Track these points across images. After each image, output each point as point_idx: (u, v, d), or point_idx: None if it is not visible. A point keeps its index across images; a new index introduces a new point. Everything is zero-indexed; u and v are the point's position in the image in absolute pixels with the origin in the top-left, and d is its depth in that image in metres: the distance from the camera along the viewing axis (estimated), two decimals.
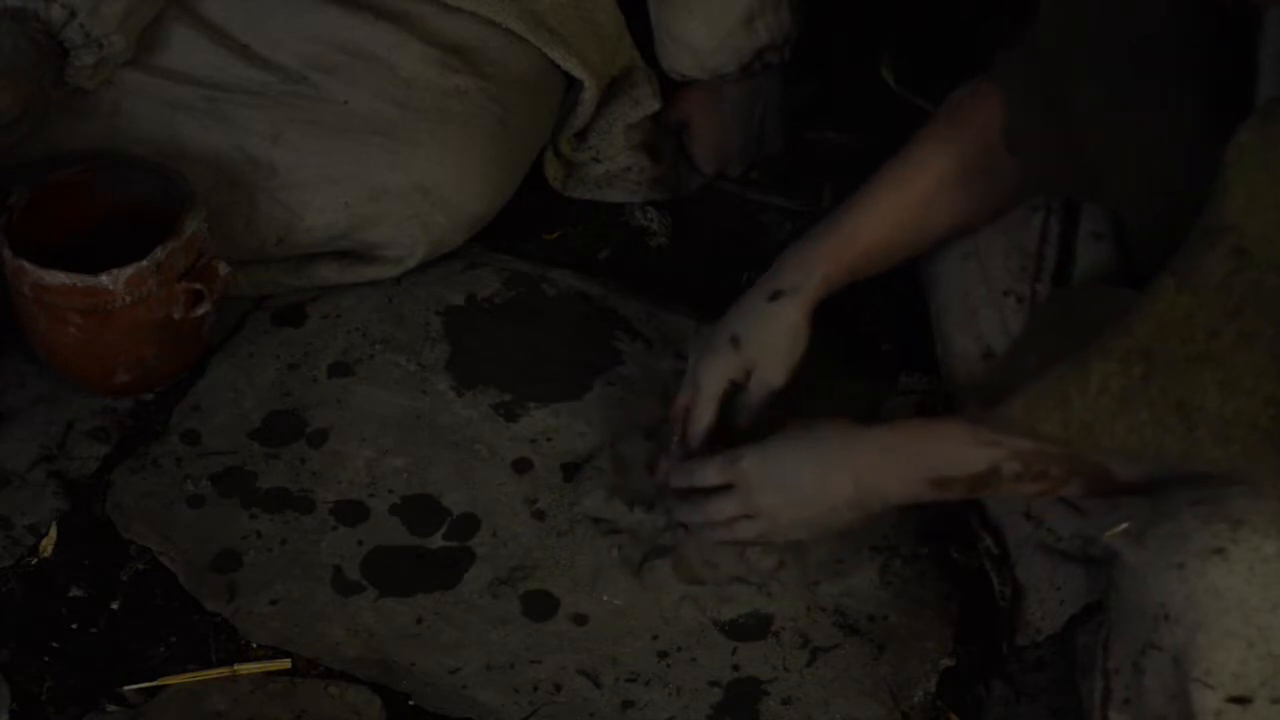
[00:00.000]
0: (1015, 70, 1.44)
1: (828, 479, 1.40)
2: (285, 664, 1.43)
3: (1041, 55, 1.40)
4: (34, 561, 1.50)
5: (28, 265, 1.54)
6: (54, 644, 1.44)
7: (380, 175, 1.70)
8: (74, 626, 1.45)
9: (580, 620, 1.48)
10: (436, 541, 1.54)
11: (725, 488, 1.45)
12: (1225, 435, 1.14)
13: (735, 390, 1.51)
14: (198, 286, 1.58)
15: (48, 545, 1.51)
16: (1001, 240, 1.52)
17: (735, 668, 1.45)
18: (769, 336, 1.49)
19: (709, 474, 1.46)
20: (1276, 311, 1.12)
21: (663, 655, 1.45)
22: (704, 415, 1.51)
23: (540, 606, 1.49)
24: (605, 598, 1.49)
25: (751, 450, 1.44)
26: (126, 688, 1.41)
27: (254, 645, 1.45)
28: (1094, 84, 1.34)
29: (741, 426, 1.52)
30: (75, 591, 1.48)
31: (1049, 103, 1.40)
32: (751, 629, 1.47)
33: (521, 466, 1.60)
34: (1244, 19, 1.22)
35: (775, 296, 1.49)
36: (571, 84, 1.86)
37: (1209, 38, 1.27)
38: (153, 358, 1.61)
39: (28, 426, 1.61)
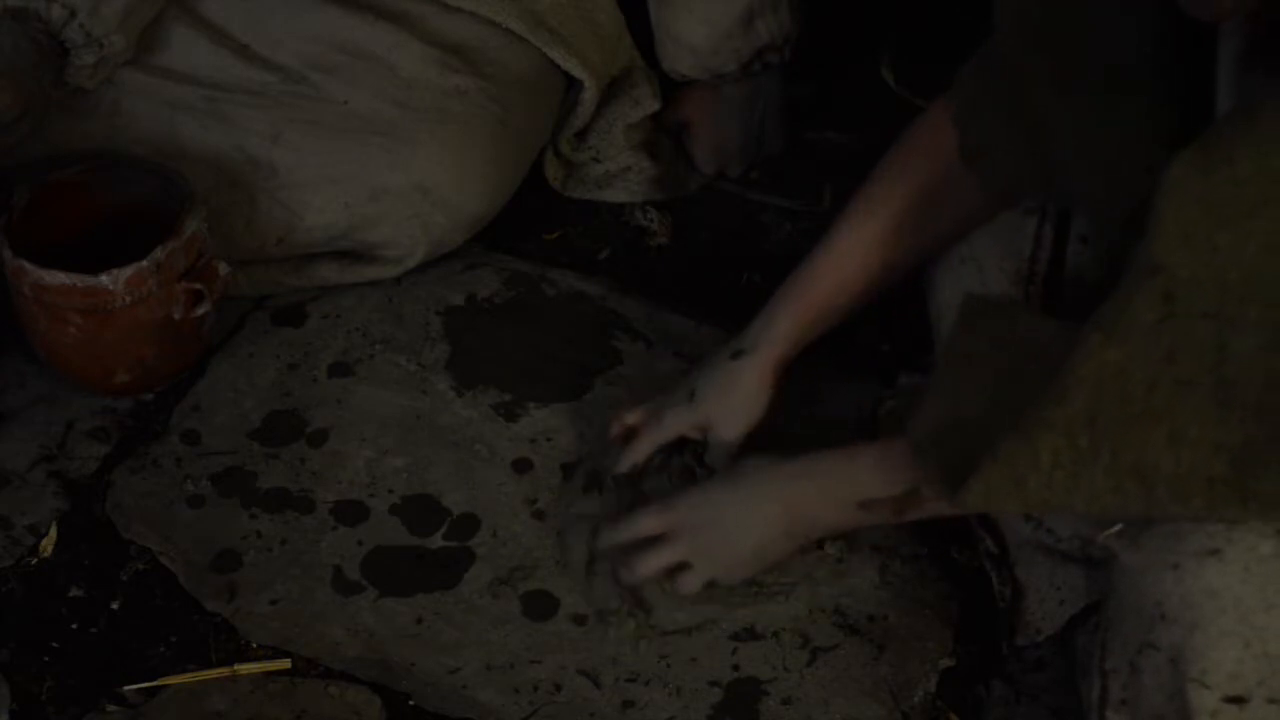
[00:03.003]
0: (969, 84, 1.43)
1: (760, 511, 1.42)
2: (285, 664, 1.43)
3: (1002, 66, 1.39)
4: (34, 561, 1.50)
5: (28, 265, 1.54)
6: (54, 644, 1.44)
7: (380, 175, 1.70)
8: (74, 626, 1.45)
9: (580, 620, 1.48)
10: (436, 541, 1.54)
11: (658, 540, 1.45)
12: (1183, 491, 1.12)
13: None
14: (198, 286, 1.58)
15: (48, 545, 1.51)
16: (997, 245, 1.52)
17: (735, 668, 1.45)
18: (725, 397, 1.51)
19: (646, 524, 1.46)
20: (1211, 357, 1.08)
21: (663, 655, 1.45)
22: (639, 452, 1.53)
23: (540, 606, 1.49)
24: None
25: (684, 494, 1.46)
26: (126, 688, 1.41)
27: (254, 645, 1.45)
28: (1055, 91, 1.32)
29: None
30: (75, 591, 1.48)
31: (1009, 112, 1.39)
32: (751, 629, 1.47)
33: (521, 466, 1.60)
34: (1204, 29, 1.20)
35: (736, 355, 1.51)
36: (571, 84, 1.86)
37: (1172, 44, 1.24)
38: (153, 358, 1.61)
39: (28, 426, 1.61)
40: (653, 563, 1.45)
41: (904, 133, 1.50)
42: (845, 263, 1.49)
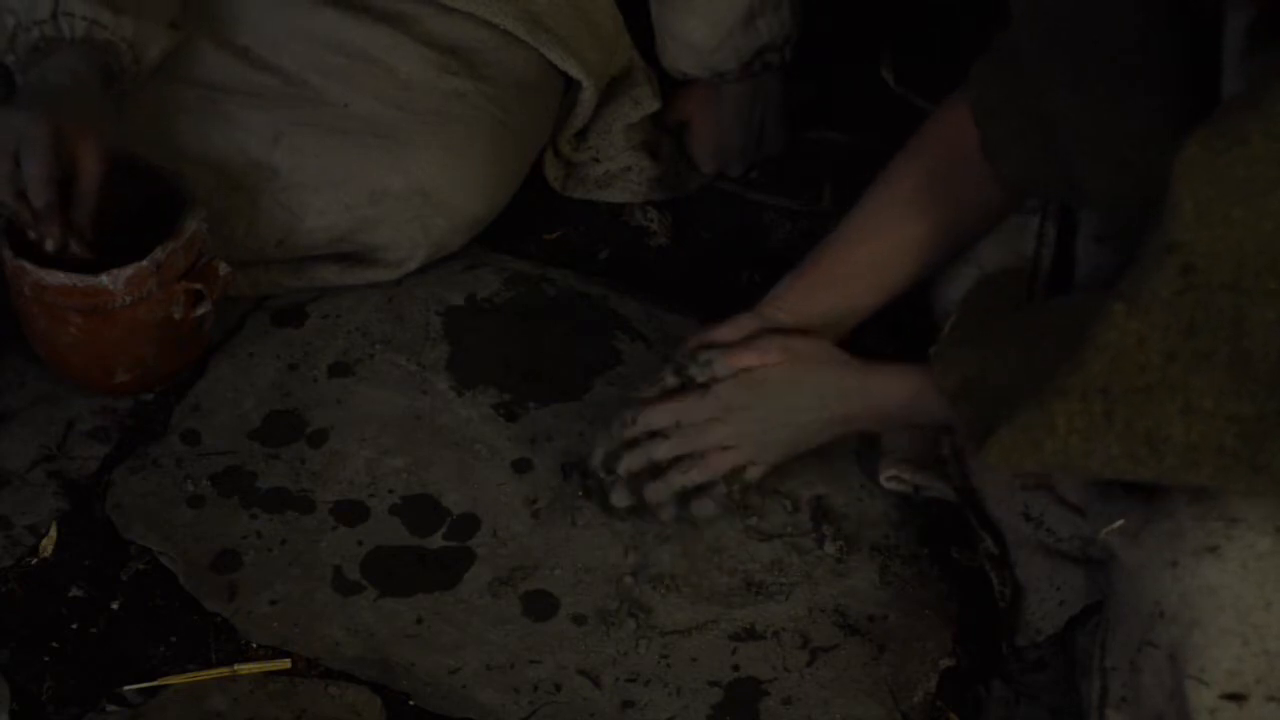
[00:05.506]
0: (988, 79, 1.44)
1: (811, 414, 1.48)
2: (285, 664, 1.43)
3: (1016, 63, 1.39)
4: (34, 561, 1.50)
5: (28, 265, 1.54)
6: (54, 644, 1.44)
7: (381, 178, 1.70)
8: (74, 626, 1.45)
9: (580, 620, 1.48)
10: (436, 541, 1.54)
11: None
12: (1194, 460, 1.14)
13: None
14: (198, 286, 1.58)
15: (48, 545, 1.51)
16: (999, 244, 1.52)
17: (735, 668, 1.45)
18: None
19: (702, 407, 1.47)
20: (1228, 330, 1.10)
21: (663, 655, 1.45)
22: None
23: (540, 606, 1.49)
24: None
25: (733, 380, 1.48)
26: (126, 688, 1.41)
27: (254, 645, 1.44)
28: (1070, 89, 1.33)
29: None
30: (75, 591, 1.48)
31: (1026, 110, 1.39)
32: (751, 629, 1.47)
33: (521, 466, 1.60)
34: (1209, 16, 1.21)
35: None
36: (570, 84, 1.86)
37: (1181, 35, 1.25)
38: (153, 358, 1.61)
39: (28, 426, 1.61)
40: (714, 463, 1.48)
41: (921, 126, 1.51)
42: (864, 233, 1.51)
